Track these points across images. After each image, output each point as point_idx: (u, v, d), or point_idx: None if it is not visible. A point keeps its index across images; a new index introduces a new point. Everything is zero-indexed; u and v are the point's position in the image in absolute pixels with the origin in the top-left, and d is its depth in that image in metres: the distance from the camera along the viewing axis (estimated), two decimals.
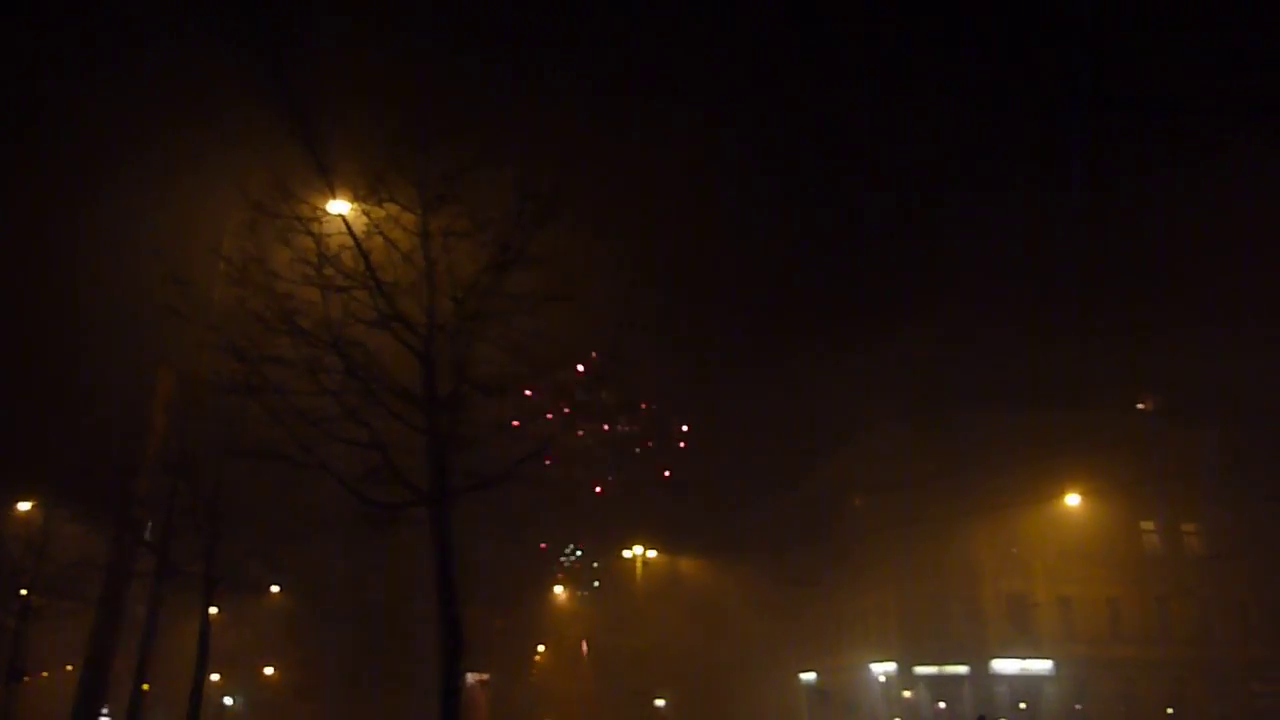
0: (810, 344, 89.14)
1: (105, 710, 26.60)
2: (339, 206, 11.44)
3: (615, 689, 51.07)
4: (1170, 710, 47.34)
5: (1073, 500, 46.35)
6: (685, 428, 66.11)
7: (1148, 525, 50.89)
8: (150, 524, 17.92)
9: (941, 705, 47.83)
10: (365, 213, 11.38)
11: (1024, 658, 46.80)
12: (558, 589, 71.38)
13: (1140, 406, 54.76)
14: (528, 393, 11.88)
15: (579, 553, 69.80)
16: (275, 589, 52.60)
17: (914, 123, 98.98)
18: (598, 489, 69.01)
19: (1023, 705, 46.33)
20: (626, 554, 53.24)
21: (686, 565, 65.92)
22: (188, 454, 16.42)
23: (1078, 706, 46.65)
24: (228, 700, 63.48)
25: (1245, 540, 49.13)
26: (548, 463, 11.95)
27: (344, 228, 11.27)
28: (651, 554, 54.10)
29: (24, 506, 27.97)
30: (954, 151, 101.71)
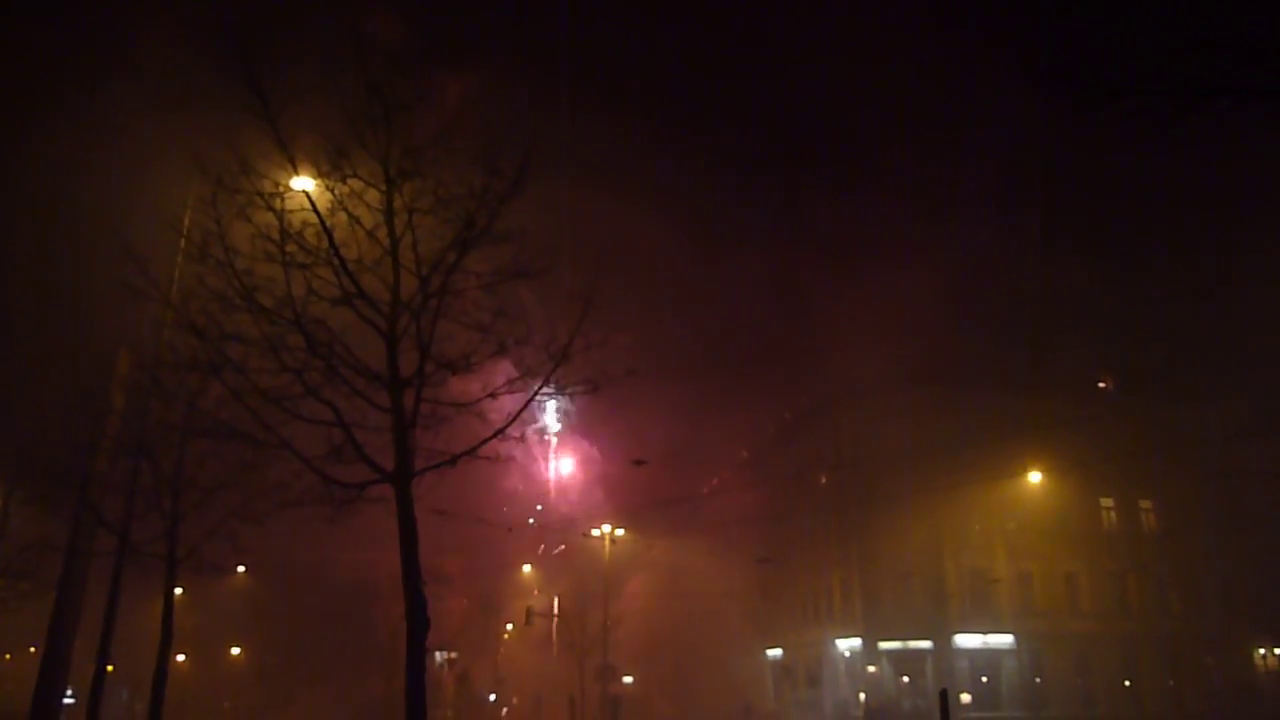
0: (777, 325, 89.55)
1: (69, 692, 26.30)
2: (302, 183, 11.28)
3: (582, 666, 51.35)
4: (1126, 683, 48.46)
5: (1034, 477, 47.15)
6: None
7: (1107, 502, 51.90)
8: (110, 505, 17.65)
9: (905, 680, 48.61)
10: (329, 189, 11.23)
11: (985, 632, 47.65)
12: (525, 568, 71.48)
13: (1101, 385, 55.73)
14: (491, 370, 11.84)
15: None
16: (240, 570, 52.25)
17: (868, 103, 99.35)
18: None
19: (984, 679, 47.21)
20: (595, 532, 53.38)
21: (654, 543, 66.18)
22: (148, 433, 16.17)
23: (1037, 680, 47.60)
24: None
25: (1200, 516, 50.24)
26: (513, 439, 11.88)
27: (306, 204, 11.11)
28: (619, 532, 54.29)
29: None
30: (909, 138, 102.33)
